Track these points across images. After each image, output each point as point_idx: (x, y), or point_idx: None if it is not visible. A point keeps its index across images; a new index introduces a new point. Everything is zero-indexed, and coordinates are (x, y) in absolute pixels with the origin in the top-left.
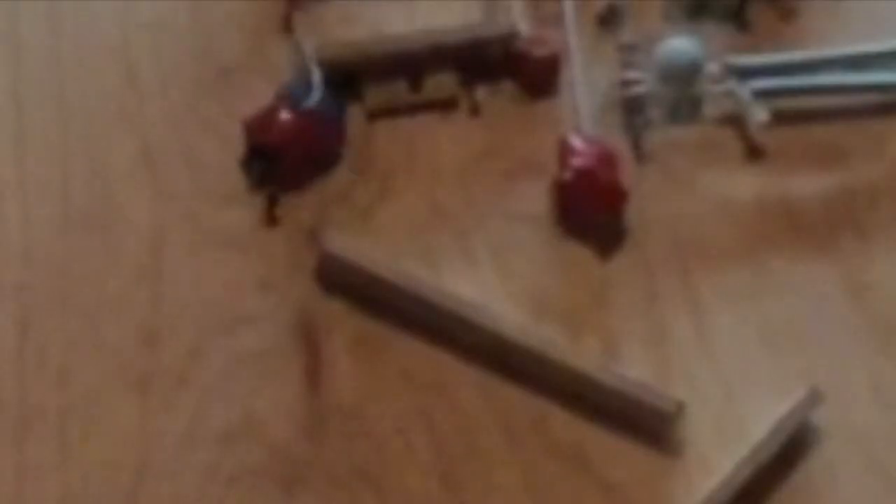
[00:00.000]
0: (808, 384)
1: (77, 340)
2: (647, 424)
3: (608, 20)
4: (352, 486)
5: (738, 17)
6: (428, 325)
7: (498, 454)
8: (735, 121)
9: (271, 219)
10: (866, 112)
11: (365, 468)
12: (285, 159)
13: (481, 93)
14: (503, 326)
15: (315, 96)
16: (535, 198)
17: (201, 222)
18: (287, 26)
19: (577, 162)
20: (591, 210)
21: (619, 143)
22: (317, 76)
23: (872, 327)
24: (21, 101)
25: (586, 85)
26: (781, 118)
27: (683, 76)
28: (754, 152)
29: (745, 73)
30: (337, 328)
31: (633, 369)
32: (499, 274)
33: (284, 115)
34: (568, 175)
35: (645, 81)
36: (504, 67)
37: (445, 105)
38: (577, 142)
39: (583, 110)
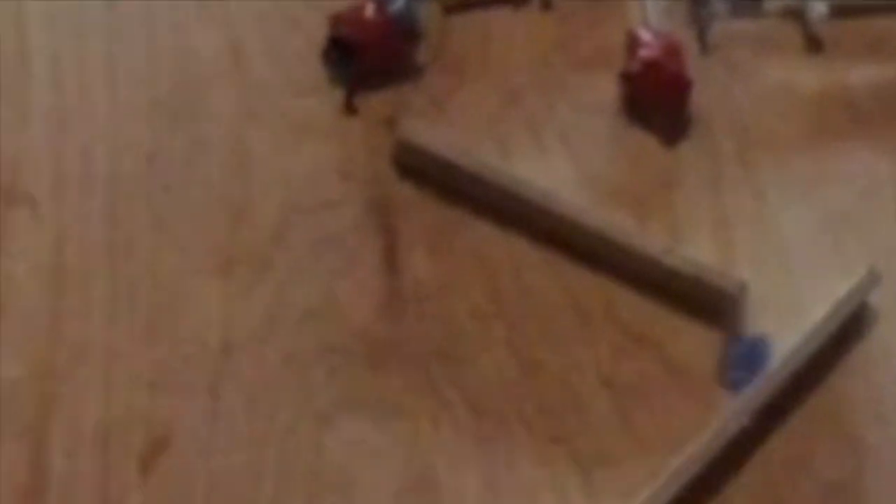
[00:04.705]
0: (865, 266)
1: (165, 225)
2: (712, 305)
3: None
4: (429, 364)
5: None
6: (500, 209)
7: (569, 334)
8: (795, 14)
9: (350, 108)
10: None
11: (441, 347)
12: (365, 54)
13: None
14: (573, 211)
15: (399, 2)
16: (604, 88)
17: (284, 111)
18: None
19: (644, 53)
20: (657, 100)
21: (685, 36)
22: None
23: None
24: None
25: None
26: (840, 11)
27: None
28: (813, 45)
29: None
30: (413, 212)
31: (697, 252)
32: (568, 161)
33: (370, 13)
34: (635, 66)
35: None
36: None
37: None
38: (644, 34)
39: (650, 4)
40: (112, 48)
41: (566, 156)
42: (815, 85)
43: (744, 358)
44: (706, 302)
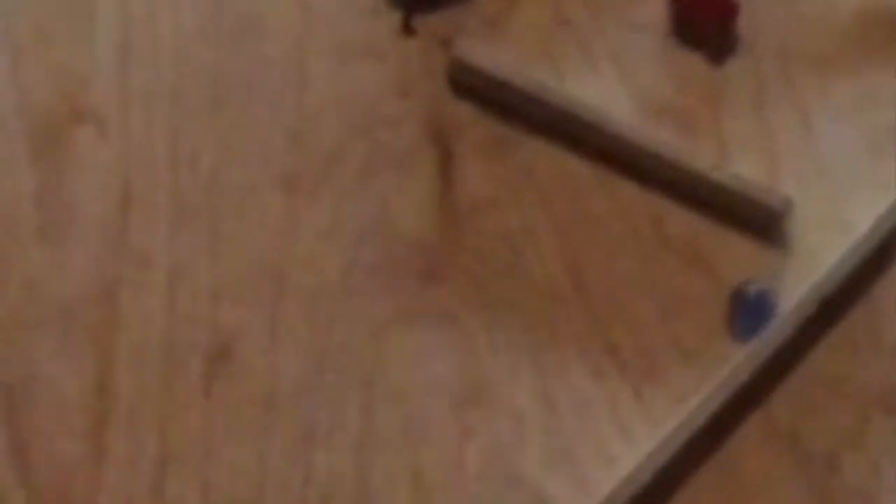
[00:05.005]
0: None
1: (227, 142)
2: (758, 220)
3: None
4: (482, 277)
5: None
6: (553, 127)
7: (618, 248)
8: None
9: (408, 30)
10: None
11: (494, 260)
12: None
13: None
14: (623, 129)
15: None
16: (653, 9)
17: (344, 32)
18: None
19: None
20: (704, 22)
21: None
22: None
23: None
24: None
25: None
26: None
27: None
28: None
29: None
30: (467, 130)
31: (743, 169)
32: (619, 80)
33: None
34: None
35: None
36: None
37: None
38: None
39: None
40: None
41: (617, 75)
42: (858, 5)
43: (751, 310)
44: (752, 217)
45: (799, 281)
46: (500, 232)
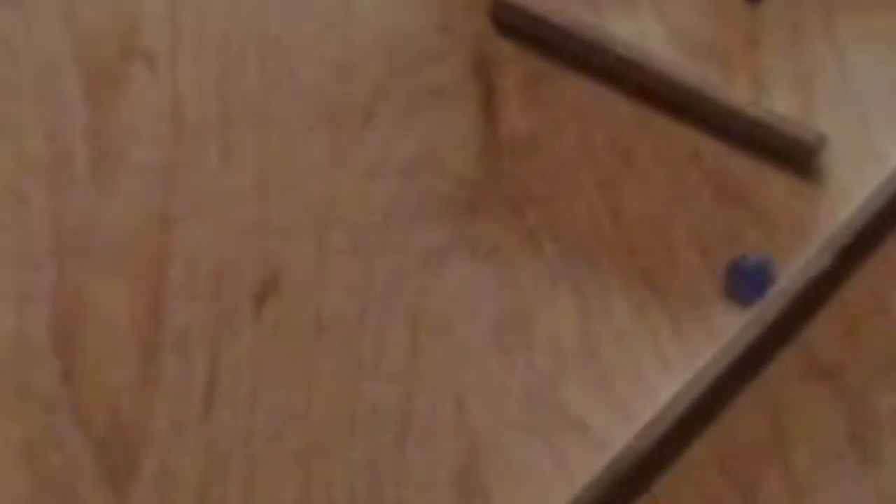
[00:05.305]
0: None
1: (274, 79)
2: (793, 155)
3: None
4: (524, 210)
5: None
6: (593, 64)
7: (657, 183)
8: None
9: None
10: None
11: (536, 193)
12: None
13: None
14: (661, 65)
15: None
16: None
17: None
18: None
19: None
20: None
21: None
22: None
23: None
24: None
25: None
26: None
27: None
28: None
29: None
30: (510, 66)
31: (779, 104)
32: (657, 17)
33: None
34: None
35: None
36: None
37: None
38: None
39: None
40: None
41: (655, 13)
42: None
43: (750, 278)
44: (788, 152)
45: (834, 213)
46: (541, 166)
